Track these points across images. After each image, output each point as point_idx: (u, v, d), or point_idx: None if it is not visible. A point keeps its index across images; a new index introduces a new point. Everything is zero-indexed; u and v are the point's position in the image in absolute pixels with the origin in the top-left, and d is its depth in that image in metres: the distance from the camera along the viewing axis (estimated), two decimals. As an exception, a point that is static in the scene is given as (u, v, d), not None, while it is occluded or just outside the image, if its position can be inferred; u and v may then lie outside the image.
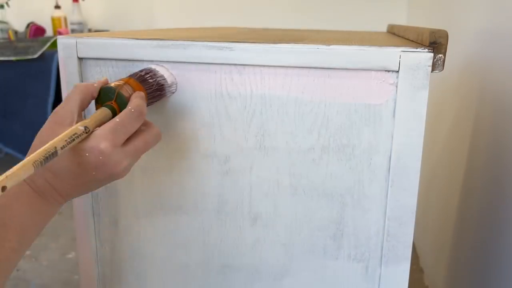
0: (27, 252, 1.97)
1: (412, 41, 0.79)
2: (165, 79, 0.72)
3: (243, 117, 0.73)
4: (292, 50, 0.68)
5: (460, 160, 1.28)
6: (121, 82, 0.66)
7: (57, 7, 2.87)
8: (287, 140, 0.72)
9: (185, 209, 0.79)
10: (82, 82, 0.77)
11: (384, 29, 1.60)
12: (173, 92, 0.74)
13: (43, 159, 0.53)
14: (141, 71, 0.70)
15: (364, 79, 0.68)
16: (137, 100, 0.64)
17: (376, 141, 0.70)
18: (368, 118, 0.69)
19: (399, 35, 1.04)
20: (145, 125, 0.66)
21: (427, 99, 0.66)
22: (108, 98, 0.65)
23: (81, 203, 0.82)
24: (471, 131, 1.20)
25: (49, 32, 2.91)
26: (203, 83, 0.73)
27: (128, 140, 0.63)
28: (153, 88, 0.69)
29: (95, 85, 0.65)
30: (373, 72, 0.67)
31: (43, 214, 0.63)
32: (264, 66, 0.70)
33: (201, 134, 0.75)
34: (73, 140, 0.57)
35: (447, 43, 0.64)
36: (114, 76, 0.75)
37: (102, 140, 0.59)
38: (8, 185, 0.48)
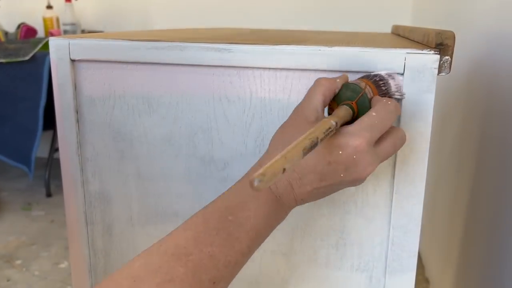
0: (18, 262, 1.97)
1: (418, 42, 0.79)
2: (394, 93, 0.67)
3: (242, 121, 0.73)
4: (293, 52, 0.68)
5: (467, 166, 1.28)
6: (363, 83, 0.63)
7: (49, 7, 2.87)
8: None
9: (182, 217, 0.79)
10: (75, 85, 0.77)
11: (388, 30, 1.60)
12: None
13: (310, 146, 0.51)
14: (375, 75, 0.66)
15: (368, 82, 0.68)
16: (391, 100, 0.61)
17: (381, 146, 0.70)
18: (372, 122, 0.69)
19: (404, 36, 1.04)
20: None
21: (433, 102, 0.66)
22: (348, 97, 0.62)
23: (74, 211, 0.82)
24: (479, 135, 1.20)
25: (40, 33, 2.92)
26: (201, 86, 0.73)
27: (378, 141, 0.60)
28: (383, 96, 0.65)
29: (338, 81, 0.63)
30: (377, 74, 0.67)
31: (276, 219, 0.62)
32: (264, 68, 0.70)
33: (199, 139, 0.75)
34: (328, 134, 0.55)
35: (454, 44, 0.64)
36: (109, 78, 0.75)
37: (358, 137, 0.57)
38: (287, 168, 0.47)
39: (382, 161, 0.60)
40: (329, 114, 0.63)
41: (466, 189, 1.28)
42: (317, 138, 0.52)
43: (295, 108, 0.62)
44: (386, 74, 0.65)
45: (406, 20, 2.57)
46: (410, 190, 0.70)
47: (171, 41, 0.72)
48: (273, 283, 0.79)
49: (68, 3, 2.83)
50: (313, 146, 0.51)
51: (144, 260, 0.55)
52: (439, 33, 0.64)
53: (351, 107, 0.61)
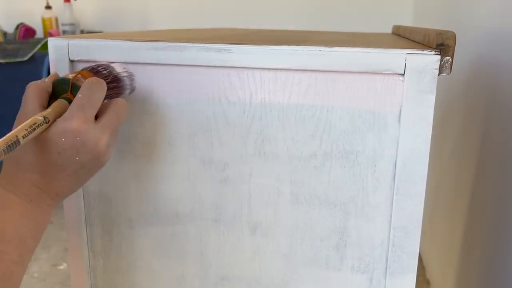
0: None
1: (418, 43, 0.79)
2: (120, 72, 0.72)
3: (242, 122, 0.73)
4: (294, 53, 0.68)
5: (468, 167, 1.29)
6: (74, 74, 0.67)
7: (48, 7, 2.87)
8: (288, 146, 0.72)
9: (181, 218, 0.79)
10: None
11: (389, 30, 1.60)
12: (133, 90, 0.75)
13: (5, 148, 0.53)
14: (95, 64, 0.70)
15: (368, 83, 0.68)
16: (92, 77, 0.65)
17: (381, 147, 0.70)
18: (372, 123, 0.69)
19: (405, 37, 1.04)
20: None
21: (434, 103, 0.66)
22: (63, 91, 0.65)
23: (73, 212, 0.82)
24: (480, 136, 1.20)
25: (39, 33, 2.92)
26: (200, 87, 0.73)
27: (98, 116, 0.64)
28: (108, 79, 0.69)
29: (46, 80, 0.66)
30: (377, 75, 0.67)
31: (38, 221, 0.63)
32: (264, 69, 0.70)
33: (198, 140, 0.75)
34: (34, 129, 0.57)
35: (454, 45, 0.64)
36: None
37: (72, 120, 0.60)
38: None
39: (112, 131, 0.64)
40: None
41: (467, 190, 1.28)
42: (17, 136, 0.55)
43: (15, 120, 0.63)
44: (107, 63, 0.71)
45: (407, 21, 2.57)
46: (411, 190, 0.70)
47: (170, 42, 0.72)
48: (272, 284, 0.79)
49: (67, 3, 2.83)
50: (14, 144, 0.54)
51: None
52: (440, 33, 0.65)
53: (68, 99, 0.64)
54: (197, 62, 0.71)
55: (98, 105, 0.63)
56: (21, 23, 2.82)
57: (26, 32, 2.75)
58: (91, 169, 0.64)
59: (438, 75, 0.65)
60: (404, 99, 0.66)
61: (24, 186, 0.61)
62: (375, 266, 0.75)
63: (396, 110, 0.68)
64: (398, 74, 0.66)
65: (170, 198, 0.79)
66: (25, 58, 2.26)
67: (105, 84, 0.65)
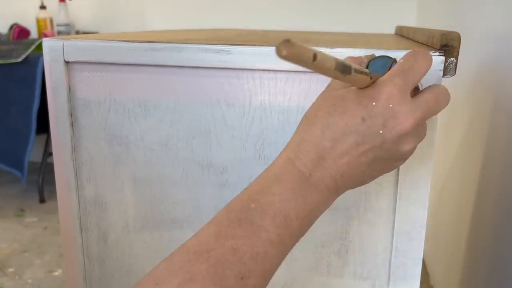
0: (10, 269, 1.97)
1: (422, 43, 0.79)
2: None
3: (241, 125, 0.73)
4: (294, 54, 0.68)
5: (473, 170, 1.28)
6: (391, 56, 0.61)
7: (43, 7, 2.88)
8: (289, 150, 0.72)
9: (179, 223, 0.79)
10: (69, 88, 0.77)
11: (392, 30, 1.60)
12: None
13: (342, 66, 0.47)
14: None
15: (371, 84, 0.68)
16: (419, 49, 0.58)
17: (384, 150, 0.70)
18: (375, 126, 0.69)
19: (408, 38, 1.04)
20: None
21: (438, 105, 0.66)
22: (379, 69, 0.59)
23: (68, 217, 0.82)
24: (485, 139, 1.20)
25: (33, 34, 2.92)
26: (199, 89, 0.73)
27: (417, 94, 0.56)
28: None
29: (362, 56, 0.62)
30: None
31: (309, 202, 0.55)
32: (264, 70, 0.70)
33: (197, 143, 0.75)
34: (360, 72, 0.51)
35: (459, 46, 0.64)
36: (104, 81, 0.76)
37: (389, 83, 0.53)
38: (318, 56, 0.43)
39: (423, 114, 0.54)
40: None
41: (472, 195, 1.28)
42: (351, 64, 0.49)
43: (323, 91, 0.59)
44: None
45: (411, 21, 2.58)
46: (415, 195, 0.70)
47: (168, 43, 0.72)
48: (273, 291, 0.79)
49: (62, 3, 2.83)
50: (346, 67, 0.48)
51: (167, 261, 0.53)
52: (444, 34, 0.65)
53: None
54: (195, 64, 0.71)
55: (419, 77, 0.55)
56: (15, 24, 2.83)
57: (20, 32, 2.75)
58: (388, 157, 0.56)
59: (443, 76, 0.65)
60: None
61: (308, 154, 0.55)
62: (378, 273, 0.75)
63: (400, 113, 0.68)
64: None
65: (168, 202, 0.79)
66: (19, 60, 2.27)
67: (432, 58, 0.57)
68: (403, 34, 1.18)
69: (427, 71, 0.56)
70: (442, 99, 0.57)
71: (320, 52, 0.44)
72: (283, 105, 0.71)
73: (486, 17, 1.28)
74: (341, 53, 0.67)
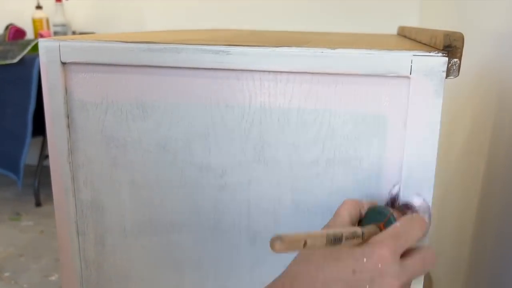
0: (6, 274, 1.97)
1: (425, 44, 0.79)
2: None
3: (240, 127, 0.73)
4: (295, 54, 0.68)
5: (477, 173, 1.28)
6: (389, 208, 0.66)
7: (39, 7, 2.88)
8: (289, 152, 0.72)
9: (178, 227, 0.79)
10: (65, 89, 0.77)
11: (394, 31, 1.60)
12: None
13: (333, 236, 0.54)
14: (404, 204, 0.69)
15: (373, 86, 0.68)
16: (416, 214, 0.66)
17: (386, 153, 0.70)
18: (377, 128, 0.69)
19: (411, 38, 1.04)
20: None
21: (441, 107, 0.66)
22: (375, 220, 0.65)
23: (65, 221, 0.82)
24: (489, 142, 1.20)
25: (29, 34, 2.92)
26: (198, 90, 0.73)
27: (405, 256, 0.60)
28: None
29: (363, 202, 0.66)
30: (382, 78, 0.67)
31: None
32: (263, 71, 0.70)
33: (195, 146, 0.75)
34: (352, 238, 0.57)
35: (462, 46, 0.64)
36: (101, 82, 0.75)
37: (383, 244, 0.58)
38: (308, 243, 0.52)
39: (409, 278, 0.60)
40: None
41: (476, 198, 1.28)
42: (342, 233, 0.55)
43: (325, 225, 0.64)
44: (414, 203, 0.69)
45: (413, 21, 2.58)
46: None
47: (166, 43, 0.72)
48: (273, 296, 0.79)
49: (58, 3, 2.83)
50: (337, 239, 0.55)
51: None
52: (447, 34, 0.65)
53: (380, 229, 0.63)
54: (194, 65, 0.71)
55: (412, 243, 0.61)
56: (11, 24, 2.83)
57: (16, 33, 2.75)
58: None
59: (446, 77, 0.65)
60: (410, 103, 0.66)
61: None
62: (380, 278, 0.75)
63: (402, 114, 0.68)
64: (403, 76, 0.66)
65: (166, 206, 0.79)
66: (15, 61, 2.27)
67: (427, 225, 0.64)
68: (406, 35, 1.18)
69: (420, 238, 0.62)
70: (428, 263, 0.62)
71: (310, 236, 0.52)
72: (283, 107, 0.71)
73: (489, 17, 1.29)
74: (344, 55, 0.67)
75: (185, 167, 0.76)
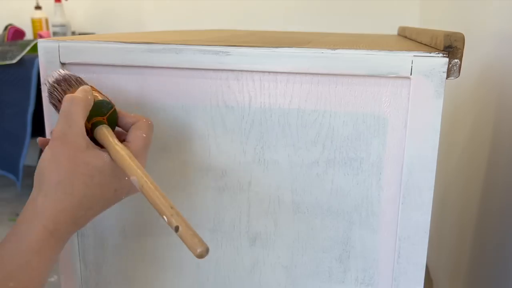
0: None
1: (425, 44, 0.79)
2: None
3: (240, 128, 0.73)
4: (295, 55, 0.68)
5: (477, 174, 1.28)
6: (105, 96, 0.68)
7: (38, 7, 2.88)
8: (289, 153, 0.72)
9: (178, 229, 0.79)
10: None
11: (394, 31, 1.60)
12: None
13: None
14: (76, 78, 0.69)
15: (373, 86, 0.68)
16: (136, 114, 0.68)
17: (386, 154, 0.70)
18: (377, 129, 0.69)
19: (411, 38, 1.05)
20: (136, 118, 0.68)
21: (441, 108, 0.66)
22: (99, 114, 0.65)
23: (63, 222, 0.82)
24: (489, 142, 1.20)
25: (29, 35, 2.92)
26: (197, 91, 0.73)
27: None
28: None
29: (89, 97, 0.65)
30: (382, 78, 0.67)
31: (56, 258, 0.62)
32: (263, 72, 0.70)
33: (195, 147, 0.75)
34: None
35: (463, 47, 0.65)
36: (101, 82, 0.75)
37: (142, 160, 0.64)
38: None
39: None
40: None
41: (477, 198, 1.28)
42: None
43: (56, 135, 0.61)
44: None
45: (413, 21, 2.58)
46: (418, 199, 0.70)
47: (166, 44, 0.72)
48: (273, 298, 0.79)
49: (58, 4, 2.83)
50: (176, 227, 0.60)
51: None
52: (448, 35, 0.65)
53: (102, 122, 0.65)
54: (194, 65, 0.72)
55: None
56: (10, 24, 2.82)
57: (15, 33, 2.75)
58: (112, 201, 0.66)
59: (446, 78, 0.65)
60: (411, 104, 0.66)
61: (65, 224, 0.60)
62: (380, 279, 0.75)
63: (402, 115, 0.68)
64: (404, 77, 0.66)
65: (166, 207, 0.79)
66: (14, 61, 2.27)
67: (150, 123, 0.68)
68: (406, 35, 1.18)
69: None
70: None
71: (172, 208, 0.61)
72: (283, 108, 0.71)
73: (490, 17, 1.29)
74: (344, 55, 0.67)
75: (185, 168, 0.76)
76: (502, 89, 1.14)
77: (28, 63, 2.30)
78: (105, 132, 0.64)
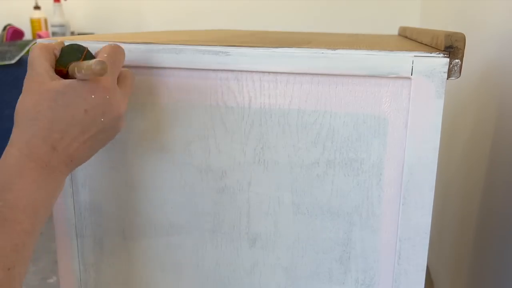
0: (3, 277, 1.97)
1: (426, 45, 0.79)
2: None
3: (240, 128, 0.73)
4: (295, 55, 0.68)
5: (478, 175, 1.28)
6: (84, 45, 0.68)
7: (37, 7, 2.88)
8: (289, 154, 0.72)
9: (177, 229, 0.79)
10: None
11: (395, 31, 1.60)
12: None
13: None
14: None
15: (373, 87, 0.68)
16: (114, 43, 0.68)
17: (387, 154, 0.70)
18: (377, 129, 0.69)
19: (412, 39, 1.05)
20: None
21: (442, 108, 0.66)
22: (74, 58, 0.66)
23: (63, 223, 0.82)
24: (490, 143, 1.20)
25: (28, 35, 2.92)
26: (197, 91, 0.73)
27: (118, 80, 0.67)
28: None
29: (53, 44, 0.67)
30: (383, 79, 0.67)
31: (49, 190, 0.62)
32: (263, 72, 0.70)
33: (195, 147, 0.75)
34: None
35: (464, 47, 0.65)
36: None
37: (103, 79, 0.62)
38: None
39: (127, 98, 0.67)
40: None
41: (478, 199, 1.28)
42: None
43: (24, 82, 0.64)
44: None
45: (414, 21, 2.58)
46: (418, 200, 0.70)
47: (166, 44, 0.72)
48: (273, 299, 0.79)
49: (57, 4, 2.83)
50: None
51: None
52: (449, 35, 0.65)
53: None
54: (193, 65, 0.71)
55: (120, 69, 0.67)
56: (9, 24, 2.82)
57: (14, 33, 2.75)
58: (109, 135, 0.66)
59: (447, 78, 0.65)
60: (411, 104, 0.66)
61: (40, 148, 0.61)
62: (381, 280, 0.75)
63: (403, 116, 0.68)
64: (404, 77, 0.66)
65: (165, 208, 0.79)
66: (13, 61, 2.27)
67: (124, 50, 0.68)
68: (407, 35, 1.18)
69: (123, 62, 0.68)
70: (133, 80, 0.70)
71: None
72: (283, 108, 0.71)
73: (491, 17, 1.29)
74: (344, 55, 0.67)
75: (185, 168, 0.76)
76: (503, 89, 1.14)
77: (27, 64, 2.30)
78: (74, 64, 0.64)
